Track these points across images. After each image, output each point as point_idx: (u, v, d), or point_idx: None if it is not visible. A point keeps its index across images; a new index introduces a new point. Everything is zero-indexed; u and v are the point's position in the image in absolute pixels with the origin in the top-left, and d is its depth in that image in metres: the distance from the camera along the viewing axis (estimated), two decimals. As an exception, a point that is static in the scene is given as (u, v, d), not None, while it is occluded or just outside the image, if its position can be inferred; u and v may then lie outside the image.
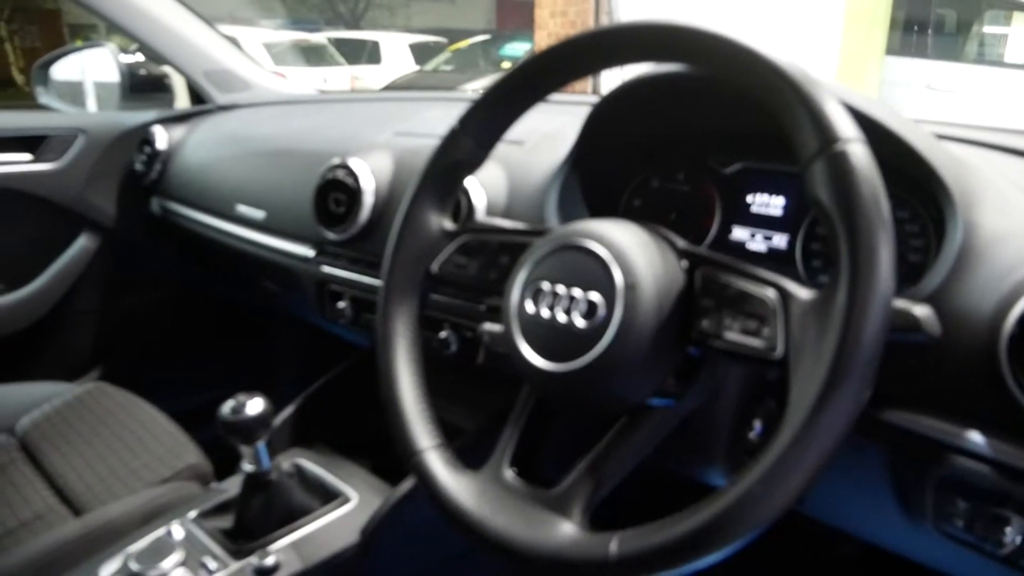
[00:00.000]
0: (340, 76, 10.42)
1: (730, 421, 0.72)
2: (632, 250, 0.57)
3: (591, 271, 0.57)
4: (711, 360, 0.60)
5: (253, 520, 0.92)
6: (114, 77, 1.60)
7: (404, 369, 0.69)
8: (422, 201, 0.72)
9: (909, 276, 0.69)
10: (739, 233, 0.83)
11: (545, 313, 0.59)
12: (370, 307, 1.08)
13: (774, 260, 0.80)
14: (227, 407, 0.88)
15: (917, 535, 0.68)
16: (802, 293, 0.51)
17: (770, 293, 0.52)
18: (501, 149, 0.99)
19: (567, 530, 0.55)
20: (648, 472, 0.81)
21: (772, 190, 0.81)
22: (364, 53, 11.39)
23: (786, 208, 0.80)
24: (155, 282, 1.70)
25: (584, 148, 0.87)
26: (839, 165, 0.48)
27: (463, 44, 10.08)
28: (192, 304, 1.74)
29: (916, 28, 6.07)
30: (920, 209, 0.71)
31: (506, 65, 8.73)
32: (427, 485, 0.63)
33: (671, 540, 0.49)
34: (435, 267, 0.72)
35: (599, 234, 0.58)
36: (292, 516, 0.94)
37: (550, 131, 0.99)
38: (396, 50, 11.40)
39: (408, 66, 10.80)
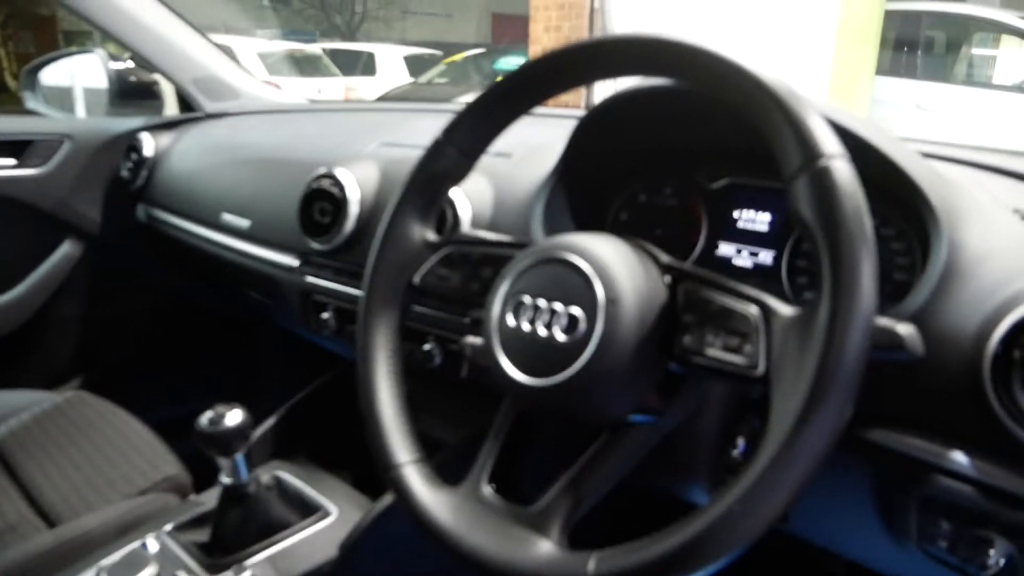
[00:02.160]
0: (335, 87, 10.44)
1: (713, 439, 0.71)
2: (614, 264, 0.56)
3: (572, 285, 0.57)
4: (693, 377, 0.59)
5: (230, 534, 0.91)
6: (103, 83, 1.59)
7: (384, 381, 0.68)
8: (405, 211, 0.71)
9: (895, 295, 0.69)
10: (725, 249, 0.82)
11: (526, 327, 0.58)
12: (354, 318, 1.06)
13: (760, 276, 0.79)
14: (205, 418, 0.87)
15: (901, 555, 0.67)
16: (784, 309, 0.51)
17: (752, 309, 0.52)
18: (488, 161, 0.99)
19: (545, 548, 0.54)
20: (630, 490, 0.80)
21: (759, 206, 0.81)
22: (359, 65, 11.42)
23: (772, 224, 0.79)
24: (140, 290, 1.68)
25: (570, 161, 0.86)
26: (822, 181, 0.48)
27: (457, 57, 10.13)
28: (177, 313, 1.72)
29: (906, 49, 6.13)
30: (906, 228, 0.71)
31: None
32: (404, 500, 0.62)
33: (650, 560, 0.48)
34: (417, 279, 0.71)
35: (581, 248, 0.58)
36: (270, 530, 0.92)
37: (538, 144, 0.98)
38: (391, 62, 11.44)
39: (403, 78, 10.83)
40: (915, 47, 6.24)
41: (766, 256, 0.79)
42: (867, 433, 0.62)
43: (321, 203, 1.04)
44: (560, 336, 0.56)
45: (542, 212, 0.87)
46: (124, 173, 1.54)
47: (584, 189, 0.90)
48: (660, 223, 0.88)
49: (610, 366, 0.54)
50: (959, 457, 0.58)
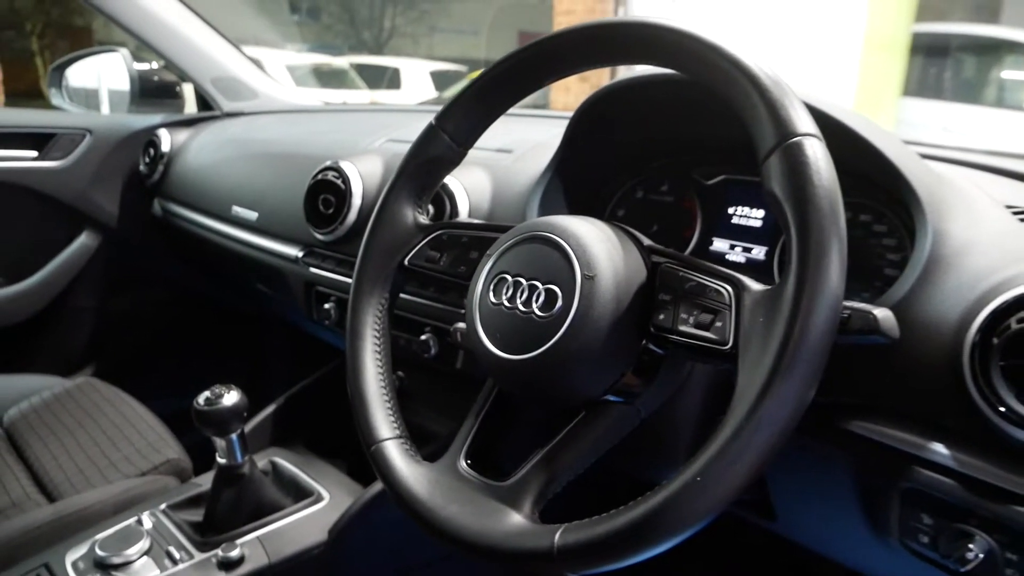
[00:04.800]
0: (360, 100, 10.56)
1: (693, 424, 0.71)
2: (593, 243, 0.57)
3: (552, 262, 0.57)
4: (672, 358, 0.59)
5: (223, 513, 0.92)
6: (125, 82, 1.63)
7: (370, 360, 0.69)
8: (398, 195, 0.72)
9: (884, 288, 0.69)
10: (719, 244, 0.82)
11: (506, 304, 0.59)
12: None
13: (753, 271, 0.80)
14: (202, 398, 0.88)
15: (885, 552, 0.66)
16: (755, 286, 0.51)
17: (725, 286, 0.52)
18: (489, 156, 1.01)
19: (515, 521, 0.55)
20: (615, 474, 0.80)
21: (753, 202, 0.81)
22: (385, 79, 11.54)
23: (766, 220, 0.80)
24: (153, 283, 1.72)
25: (567, 155, 0.87)
26: (793, 158, 0.48)
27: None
28: (188, 306, 1.75)
29: (934, 70, 6.06)
30: (898, 224, 0.71)
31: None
32: (382, 473, 0.63)
33: (613, 531, 0.48)
34: (407, 260, 0.72)
35: (561, 227, 0.59)
36: (262, 511, 0.94)
37: (540, 141, 0.99)
38: (416, 77, 11.55)
39: (428, 93, 10.92)
40: (943, 69, 6.18)
41: (759, 252, 0.79)
42: (849, 424, 0.62)
43: (325, 194, 1.06)
44: (538, 312, 0.57)
45: (537, 205, 0.88)
46: (142, 168, 1.58)
47: (581, 184, 0.91)
48: (656, 219, 0.88)
49: (585, 342, 0.55)
50: (940, 448, 0.57)
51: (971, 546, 0.57)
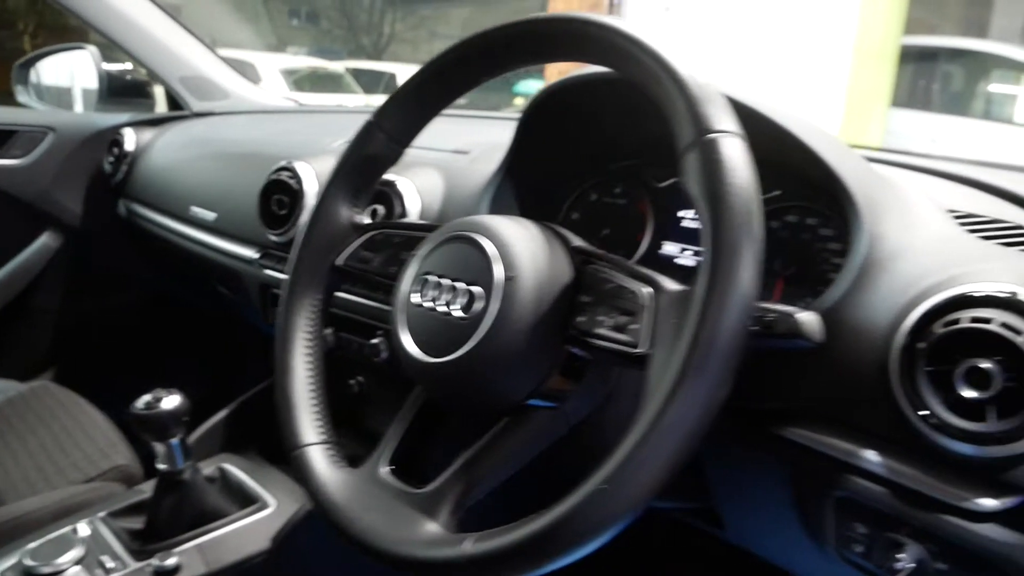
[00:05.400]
0: (356, 104, 10.55)
1: (626, 430, 0.69)
2: (516, 243, 0.55)
3: (474, 263, 0.56)
4: (598, 362, 0.57)
5: (163, 521, 0.89)
6: (94, 79, 1.61)
7: (300, 362, 0.67)
8: (333, 194, 0.71)
9: None
10: (669, 248, 0.81)
11: (429, 305, 0.57)
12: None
13: None
14: (141, 402, 0.86)
15: (824, 562, 0.65)
16: (672, 287, 0.49)
17: (643, 288, 0.50)
18: (444, 157, 0.99)
19: (429, 530, 0.53)
20: (553, 481, 0.78)
21: None
22: (381, 83, 11.53)
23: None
24: (117, 285, 1.69)
25: (518, 157, 0.85)
26: (709, 155, 0.47)
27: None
28: (153, 308, 1.72)
29: (923, 83, 6.09)
30: (844, 226, 0.69)
31: (519, 101, 8.83)
32: (303, 479, 0.61)
33: (521, 540, 0.46)
34: (340, 260, 0.70)
35: (485, 226, 0.57)
36: (205, 519, 0.91)
37: (497, 143, 0.98)
38: (413, 81, 11.52)
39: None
40: (932, 81, 6.20)
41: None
42: (784, 431, 0.60)
43: (279, 195, 1.05)
44: (458, 314, 0.55)
45: (487, 207, 0.86)
46: (106, 167, 1.55)
47: (534, 186, 0.89)
48: (610, 221, 0.87)
49: (505, 344, 0.53)
50: (872, 456, 0.55)
51: (902, 556, 0.55)
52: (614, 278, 0.53)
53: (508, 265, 0.54)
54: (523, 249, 0.55)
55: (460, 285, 0.56)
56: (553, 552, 0.46)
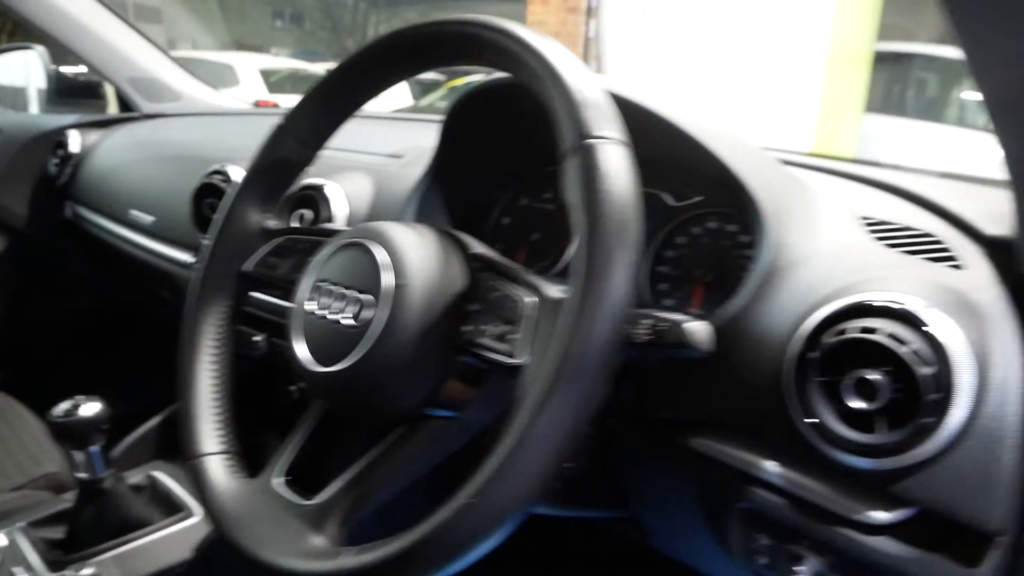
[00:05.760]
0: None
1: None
2: (409, 250, 0.54)
3: (365, 270, 0.55)
4: (495, 371, 0.56)
5: (84, 530, 0.88)
6: (42, 80, 1.58)
7: (203, 370, 0.66)
8: (243, 199, 0.70)
9: None
10: None
11: (321, 313, 0.56)
12: (245, 319, 1.04)
13: None
14: (59, 409, 0.84)
15: (737, 571, 0.64)
16: (554, 294, 0.49)
17: (527, 296, 0.49)
18: (377, 161, 0.98)
19: (313, 543, 0.52)
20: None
21: None
22: (363, 85, 11.45)
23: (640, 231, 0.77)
24: (62, 288, 1.66)
25: (444, 161, 0.85)
26: (587, 162, 0.46)
27: (459, 82, 10.12)
28: (100, 313, 1.70)
29: (897, 88, 6.14)
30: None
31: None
32: (198, 488, 0.60)
33: (393, 554, 0.45)
34: (249, 266, 0.69)
35: (379, 233, 0.56)
36: (127, 528, 0.89)
37: (431, 146, 0.97)
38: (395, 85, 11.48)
39: (406, 100, 10.89)
40: (907, 87, 6.25)
41: None
42: (690, 441, 0.60)
43: (210, 198, 1.03)
44: (348, 322, 0.54)
45: (414, 213, 0.85)
46: (51, 169, 1.53)
47: (463, 191, 0.88)
48: (538, 228, 0.86)
49: (393, 353, 0.52)
50: (771, 467, 0.55)
51: (802, 569, 0.55)
52: (501, 286, 0.52)
53: (399, 273, 0.53)
54: (416, 257, 0.54)
55: (351, 293, 0.55)
56: (425, 566, 0.45)
